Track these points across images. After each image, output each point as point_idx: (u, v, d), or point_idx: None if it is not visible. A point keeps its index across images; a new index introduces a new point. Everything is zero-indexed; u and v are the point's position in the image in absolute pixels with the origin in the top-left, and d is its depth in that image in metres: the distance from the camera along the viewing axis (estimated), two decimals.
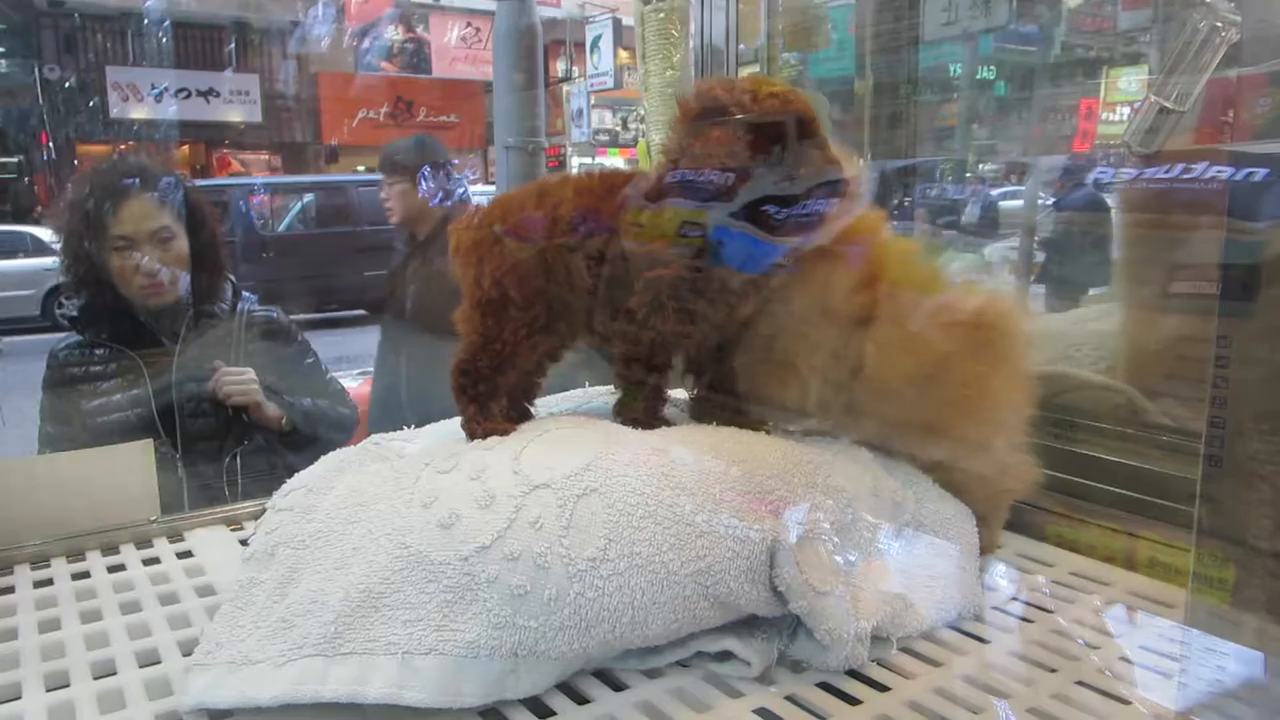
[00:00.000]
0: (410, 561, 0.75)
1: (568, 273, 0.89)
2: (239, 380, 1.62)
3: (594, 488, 0.76)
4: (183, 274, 1.65)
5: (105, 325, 1.64)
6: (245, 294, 1.76)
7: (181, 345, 1.64)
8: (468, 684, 0.71)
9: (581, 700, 0.75)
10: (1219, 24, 0.73)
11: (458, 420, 0.94)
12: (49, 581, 0.99)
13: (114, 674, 0.80)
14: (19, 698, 0.76)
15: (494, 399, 0.92)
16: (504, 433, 0.88)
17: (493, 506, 0.76)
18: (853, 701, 0.75)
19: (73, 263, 1.63)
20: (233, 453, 1.62)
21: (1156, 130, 0.80)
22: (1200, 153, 0.83)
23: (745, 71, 1.63)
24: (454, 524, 0.76)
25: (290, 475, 0.95)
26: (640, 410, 0.93)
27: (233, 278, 1.75)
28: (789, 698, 0.75)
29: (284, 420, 1.65)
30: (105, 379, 1.61)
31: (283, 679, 0.71)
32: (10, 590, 0.97)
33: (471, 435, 0.90)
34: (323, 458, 0.98)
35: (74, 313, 1.66)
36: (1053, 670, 0.79)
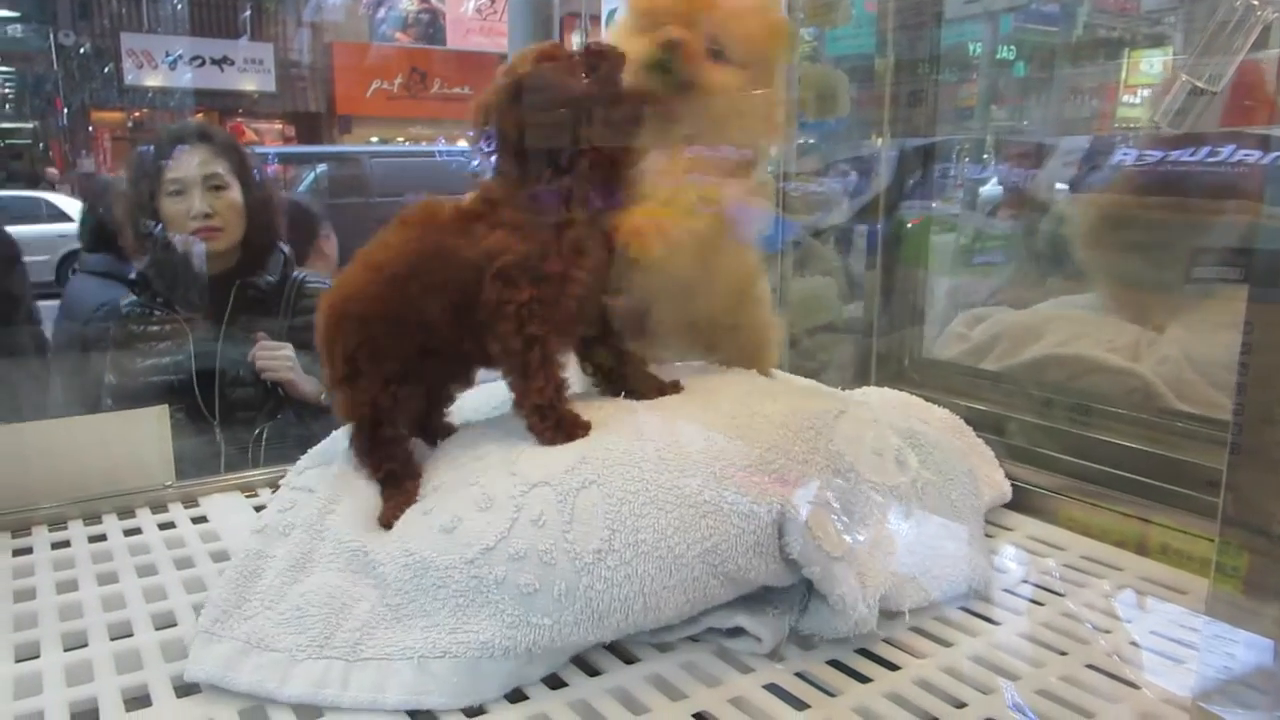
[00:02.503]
0: (418, 570, 0.75)
1: (420, 318, 0.85)
2: (273, 356, 1.63)
3: (592, 480, 0.76)
4: (235, 228, 1.66)
5: (159, 287, 1.67)
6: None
7: (229, 314, 1.66)
8: (485, 682, 0.72)
9: (593, 672, 0.76)
10: (1255, 3, 0.72)
11: (486, 389, 0.94)
12: (66, 543, 1.00)
13: (130, 635, 0.81)
14: (37, 656, 0.77)
15: (399, 463, 0.88)
16: (407, 497, 0.84)
17: (493, 508, 0.76)
18: (863, 679, 0.75)
19: (133, 225, 1.66)
20: (263, 426, 1.64)
21: (1186, 111, 0.79)
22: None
23: None
24: (456, 527, 0.76)
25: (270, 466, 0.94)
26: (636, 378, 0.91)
27: (285, 248, 1.76)
28: (799, 674, 0.76)
29: (322, 396, 1.66)
30: (155, 340, 1.65)
31: (302, 678, 0.72)
32: (28, 551, 0.98)
33: (386, 523, 0.84)
34: (339, 432, 0.98)
35: (132, 275, 1.70)
36: (1062, 653, 0.80)
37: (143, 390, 1.60)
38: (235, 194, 1.66)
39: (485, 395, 1.01)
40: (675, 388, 0.92)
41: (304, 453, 0.97)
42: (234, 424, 1.64)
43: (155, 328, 1.66)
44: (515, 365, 0.85)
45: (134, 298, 1.69)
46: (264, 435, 1.63)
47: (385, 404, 0.86)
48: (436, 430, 0.95)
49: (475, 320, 0.84)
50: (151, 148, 1.68)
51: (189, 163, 1.64)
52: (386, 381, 0.86)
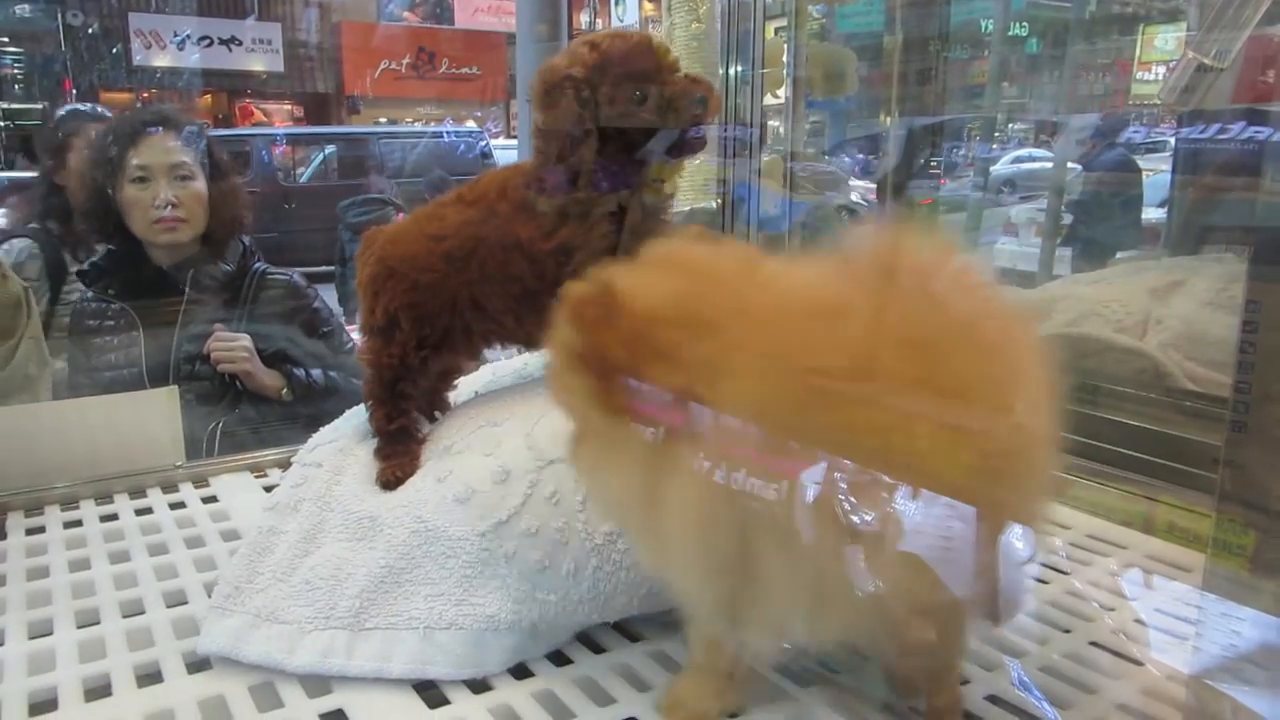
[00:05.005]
0: (428, 537, 0.76)
1: (473, 301, 0.86)
2: (228, 347, 1.58)
3: None
4: (199, 220, 1.62)
5: (112, 279, 1.63)
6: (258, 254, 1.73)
7: (185, 305, 1.62)
8: (489, 654, 0.73)
9: (598, 649, 0.77)
10: None
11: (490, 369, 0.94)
12: (78, 523, 1.01)
13: (142, 613, 0.82)
14: (51, 633, 0.78)
15: (409, 420, 0.88)
16: (411, 466, 0.85)
17: (508, 482, 0.76)
18: (866, 656, 0.76)
19: (90, 208, 1.62)
20: (219, 420, 1.58)
21: (1193, 88, 0.78)
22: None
23: (772, 27, 1.61)
24: (470, 498, 0.76)
25: (276, 447, 0.93)
26: None
27: (246, 240, 1.71)
28: (803, 652, 0.76)
29: (284, 391, 1.61)
30: (109, 334, 1.61)
31: (309, 648, 0.73)
32: (41, 530, 0.99)
33: (386, 483, 0.84)
34: (350, 411, 0.99)
35: (84, 266, 1.66)
36: (1067, 631, 0.80)
37: (96, 385, 1.55)
38: (200, 185, 1.61)
39: (487, 375, 1.01)
40: None
41: (264, 447, 0.97)
42: (190, 418, 1.49)
43: (110, 321, 1.61)
44: None
45: (87, 291, 1.64)
46: (219, 429, 1.56)
47: (413, 364, 0.87)
48: (439, 405, 0.96)
49: (541, 307, 0.85)
50: (111, 132, 1.61)
51: (156, 150, 1.59)
52: (420, 344, 0.86)
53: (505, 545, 0.74)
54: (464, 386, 0.98)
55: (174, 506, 1.06)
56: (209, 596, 0.82)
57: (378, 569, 0.76)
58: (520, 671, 0.74)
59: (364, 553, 0.78)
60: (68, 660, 0.74)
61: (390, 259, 0.87)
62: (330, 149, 8.72)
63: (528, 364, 1.01)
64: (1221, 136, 0.84)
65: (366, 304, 0.88)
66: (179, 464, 1.14)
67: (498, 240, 0.83)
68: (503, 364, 1.04)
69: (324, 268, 3.82)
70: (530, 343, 0.92)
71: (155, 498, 1.08)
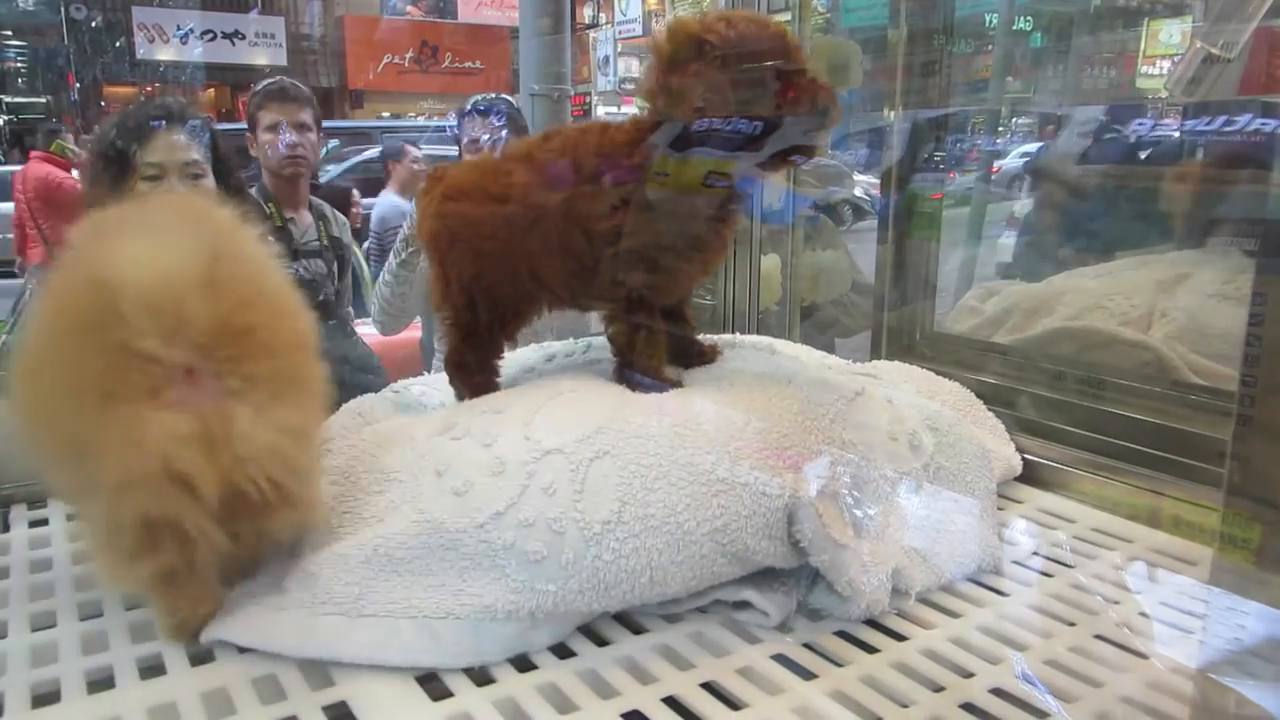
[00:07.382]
0: (427, 528, 0.76)
1: (533, 272, 0.88)
2: None
3: (606, 450, 0.77)
4: None
5: None
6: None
7: None
8: (487, 644, 0.73)
9: (601, 642, 0.76)
10: None
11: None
12: None
13: (145, 605, 0.82)
14: (54, 625, 0.78)
15: (490, 376, 0.94)
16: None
17: (505, 473, 0.76)
18: (871, 650, 0.76)
19: (99, 202, 1.62)
20: None
21: (1200, 80, 0.77)
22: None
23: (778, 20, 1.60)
24: (467, 491, 0.76)
25: None
26: (646, 360, 0.91)
27: None
28: (806, 645, 0.76)
29: None
30: None
31: (310, 635, 0.72)
32: (44, 523, 0.99)
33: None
34: (343, 406, 0.99)
35: None
36: (1071, 624, 0.80)
37: None
38: (210, 182, 1.62)
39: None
40: (714, 352, 0.97)
41: None
42: None
43: None
44: (623, 341, 0.90)
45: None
46: None
47: (490, 334, 0.92)
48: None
49: (591, 278, 0.87)
50: (119, 126, 1.60)
51: (168, 147, 1.59)
52: (496, 320, 0.91)
53: (503, 536, 0.74)
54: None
55: None
56: None
57: (378, 555, 0.75)
58: (523, 664, 0.73)
59: (364, 534, 0.78)
60: (70, 653, 0.74)
61: (451, 219, 0.88)
62: (333, 143, 8.71)
63: (590, 346, 1.04)
64: (1228, 129, 0.83)
65: (437, 270, 0.90)
66: None
67: (562, 214, 0.85)
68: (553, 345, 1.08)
69: None
70: (581, 309, 0.96)
71: None
